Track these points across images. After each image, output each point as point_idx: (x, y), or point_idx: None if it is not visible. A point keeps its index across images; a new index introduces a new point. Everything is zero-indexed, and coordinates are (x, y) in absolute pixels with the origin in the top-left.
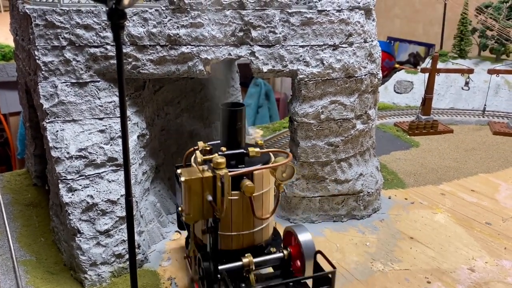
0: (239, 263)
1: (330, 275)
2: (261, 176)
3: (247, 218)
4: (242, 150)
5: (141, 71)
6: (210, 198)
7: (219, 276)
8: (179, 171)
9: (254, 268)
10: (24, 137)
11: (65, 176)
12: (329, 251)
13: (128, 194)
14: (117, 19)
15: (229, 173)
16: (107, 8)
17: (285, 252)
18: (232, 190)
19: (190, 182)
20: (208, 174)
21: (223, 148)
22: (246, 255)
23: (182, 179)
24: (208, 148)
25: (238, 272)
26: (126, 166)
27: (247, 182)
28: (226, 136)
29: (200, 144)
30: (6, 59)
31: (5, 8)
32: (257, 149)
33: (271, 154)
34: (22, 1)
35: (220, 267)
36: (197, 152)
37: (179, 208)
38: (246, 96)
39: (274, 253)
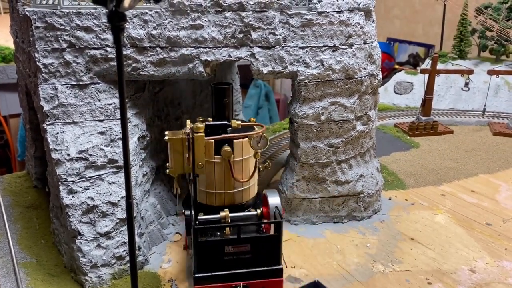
0: (218, 216)
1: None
2: (241, 145)
3: (228, 179)
4: (226, 122)
5: (141, 73)
6: (187, 155)
7: (197, 223)
8: (166, 132)
9: (229, 221)
10: (24, 139)
11: (65, 178)
12: (330, 252)
13: (129, 196)
14: (117, 21)
15: (206, 138)
16: (107, 10)
17: (258, 211)
18: (215, 154)
19: (171, 140)
20: (184, 135)
21: (210, 119)
22: (224, 209)
23: (166, 138)
24: (201, 119)
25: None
26: (126, 168)
27: (226, 148)
28: (215, 110)
29: (198, 118)
30: (6, 61)
31: (5, 10)
32: (239, 122)
33: (255, 127)
34: (22, 3)
35: (199, 217)
36: (188, 120)
37: (166, 164)
38: (246, 97)
39: (249, 211)
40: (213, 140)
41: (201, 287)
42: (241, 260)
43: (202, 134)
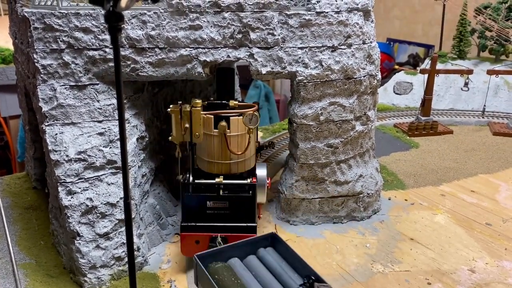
0: (213, 181)
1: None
2: (236, 122)
3: (225, 151)
4: (225, 102)
5: (140, 73)
6: (187, 125)
7: (185, 181)
8: (171, 106)
9: (222, 186)
10: (24, 140)
11: (64, 179)
12: (329, 252)
13: (127, 197)
14: (114, 21)
15: (204, 112)
16: (105, 11)
17: (248, 180)
18: (214, 128)
19: (173, 112)
20: (186, 109)
21: (212, 98)
22: (219, 176)
23: (169, 110)
24: (205, 99)
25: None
26: (124, 169)
27: (222, 123)
28: (218, 91)
29: (203, 99)
30: (6, 63)
31: (5, 11)
32: (236, 102)
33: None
34: (21, 4)
35: (196, 181)
36: (194, 98)
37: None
38: (246, 98)
39: (242, 180)
40: (212, 116)
41: (186, 234)
42: (220, 215)
43: (199, 108)
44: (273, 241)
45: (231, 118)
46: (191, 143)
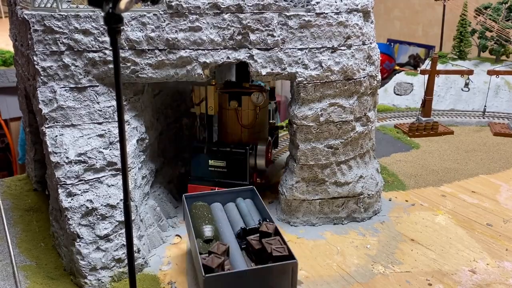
0: (226, 148)
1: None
2: (247, 100)
3: (237, 124)
4: (239, 82)
5: (140, 75)
6: (202, 99)
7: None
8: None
9: (233, 151)
10: (24, 142)
11: (64, 181)
12: (330, 254)
13: (126, 199)
14: (113, 23)
15: (220, 90)
16: (104, 13)
17: (246, 148)
18: (228, 105)
19: (194, 88)
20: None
21: (228, 80)
22: (230, 145)
23: (191, 87)
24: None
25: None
26: (124, 171)
27: (233, 101)
28: (236, 75)
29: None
30: (6, 65)
31: (6, 13)
32: (248, 84)
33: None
34: (21, 6)
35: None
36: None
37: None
38: None
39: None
40: (227, 94)
41: (192, 185)
42: (220, 172)
43: (214, 86)
44: (253, 194)
45: (242, 96)
46: (206, 114)
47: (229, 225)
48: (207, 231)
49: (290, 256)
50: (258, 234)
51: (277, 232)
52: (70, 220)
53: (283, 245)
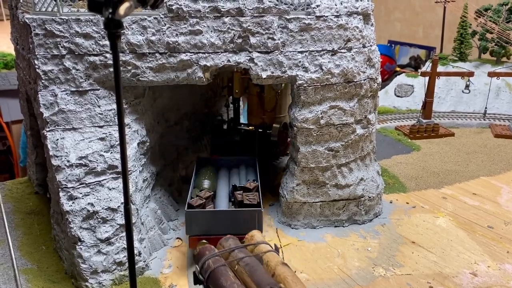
0: (248, 128)
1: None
2: (269, 88)
3: (261, 109)
4: None
5: (140, 78)
6: (230, 84)
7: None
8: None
9: (258, 131)
10: (26, 145)
11: (65, 184)
12: (331, 256)
13: (127, 202)
14: (113, 28)
15: (243, 76)
16: (104, 18)
17: (271, 130)
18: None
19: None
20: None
21: None
22: (252, 125)
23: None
24: None
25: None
26: (124, 174)
27: (257, 87)
28: None
29: None
30: (8, 68)
31: (7, 16)
32: None
33: None
34: (22, 10)
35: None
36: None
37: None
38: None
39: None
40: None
41: (212, 156)
42: (234, 147)
43: (239, 73)
44: (254, 162)
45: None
46: (233, 98)
47: (227, 184)
48: (205, 183)
49: (258, 205)
50: (242, 190)
51: (257, 189)
52: (71, 223)
53: (256, 198)
